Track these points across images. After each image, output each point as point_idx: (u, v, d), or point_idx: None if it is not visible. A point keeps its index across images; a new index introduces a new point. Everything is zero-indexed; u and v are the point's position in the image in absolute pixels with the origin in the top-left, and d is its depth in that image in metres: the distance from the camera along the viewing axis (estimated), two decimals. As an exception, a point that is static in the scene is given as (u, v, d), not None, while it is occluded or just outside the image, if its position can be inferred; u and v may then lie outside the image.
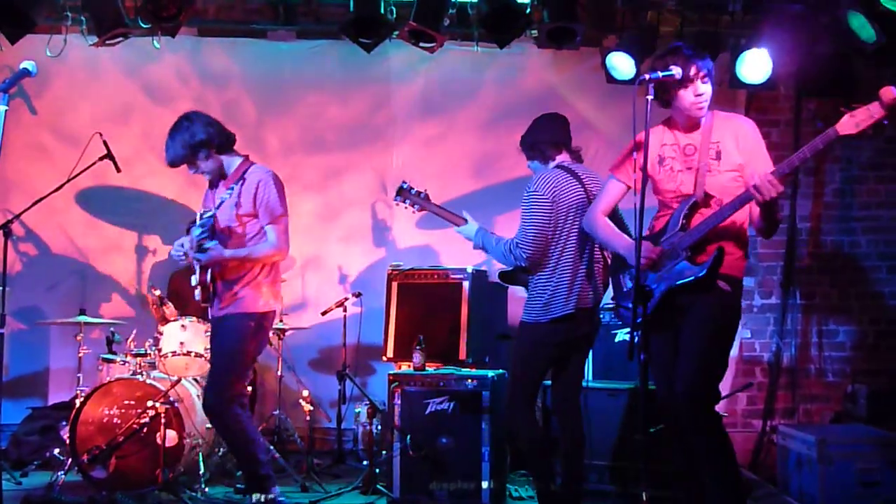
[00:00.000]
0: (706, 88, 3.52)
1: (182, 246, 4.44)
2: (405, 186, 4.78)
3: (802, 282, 6.66)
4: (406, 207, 4.80)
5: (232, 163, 4.58)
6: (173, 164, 4.49)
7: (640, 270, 3.40)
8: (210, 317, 4.63)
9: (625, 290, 3.83)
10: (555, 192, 4.24)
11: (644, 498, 3.25)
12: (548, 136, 4.44)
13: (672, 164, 3.63)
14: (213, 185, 4.65)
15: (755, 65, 5.92)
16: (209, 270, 4.43)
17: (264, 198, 4.47)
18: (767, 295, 6.70)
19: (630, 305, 3.58)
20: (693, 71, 3.47)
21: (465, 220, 4.55)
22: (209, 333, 5.60)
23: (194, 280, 4.45)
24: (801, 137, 6.44)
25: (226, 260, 4.41)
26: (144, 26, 5.99)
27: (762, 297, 6.70)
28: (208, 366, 5.60)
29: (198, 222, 4.45)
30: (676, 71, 3.39)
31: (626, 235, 3.85)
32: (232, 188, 4.44)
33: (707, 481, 3.50)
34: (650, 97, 3.32)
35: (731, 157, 3.52)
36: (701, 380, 3.49)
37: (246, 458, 4.46)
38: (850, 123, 3.14)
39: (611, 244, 3.88)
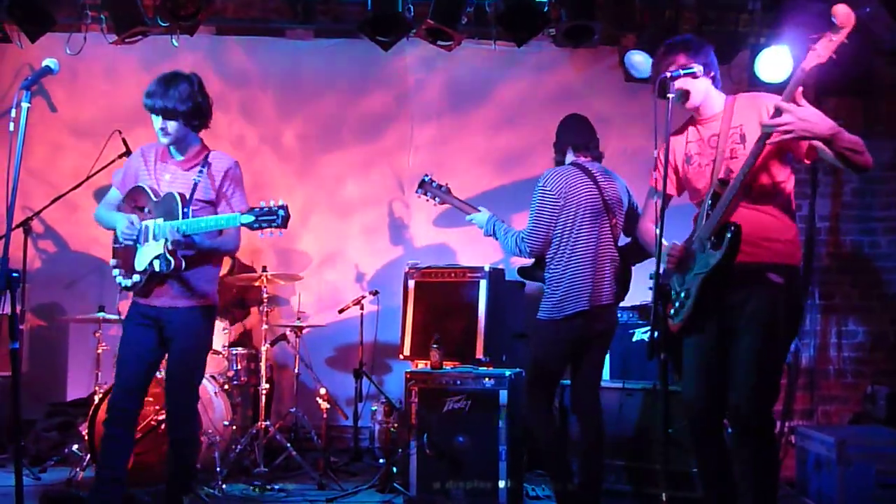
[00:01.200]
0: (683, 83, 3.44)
1: (133, 224, 3.93)
2: (427, 179, 4.79)
3: (821, 282, 6.62)
4: (427, 200, 4.81)
5: (192, 142, 4.13)
6: (164, 112, 3.94)
7: (665, 270, 3.36)
8: (148, 305, 4.04)
9: (672, 294, 3.59)
10: (563, 188, 4.25)
11: (664, 498, 3.23)
12: (568, 138, 4.49)
13: (699, 160, 3.51)
14: (161, 158, 4.12)
15: (775, 63, 5.89)
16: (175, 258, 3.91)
17: (231, 188, 4.10)
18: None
19: (672, 313, 3.52)
20: (682, 59, 3.42)
21: (479, 210, 4.58)
22: (227, 331, 5.66)
23: (158, 265, 3.87)
24: (821, 136, 6.39)
25: (204, 250, 4.01)
26: (163, 25, 6.01)
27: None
28: (226, 363, 5.65)
29: (154, 198, 3.99)
30: (698, 69, 3.36)
31: (665, 243, 3.60)
32: (202, 171, 4.03)
33: (746, 488, 3.35)
34: (671, 95, 3.28)
35: (756, 137, 3.29)
36: (756, 387, 3.29)
37: (192, 463, 4.33)
38: (812, 57, 3.02)
39: (654, 252, 3.66)
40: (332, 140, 7.02)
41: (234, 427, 5.58)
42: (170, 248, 3.86)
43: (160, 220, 3.91)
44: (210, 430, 5.15)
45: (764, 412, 3.32)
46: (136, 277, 4.00)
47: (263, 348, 5.60)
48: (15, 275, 3.03)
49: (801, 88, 3.08)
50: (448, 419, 4.85)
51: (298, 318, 6.03)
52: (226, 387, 5.66)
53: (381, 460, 5.63)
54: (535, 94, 6.81)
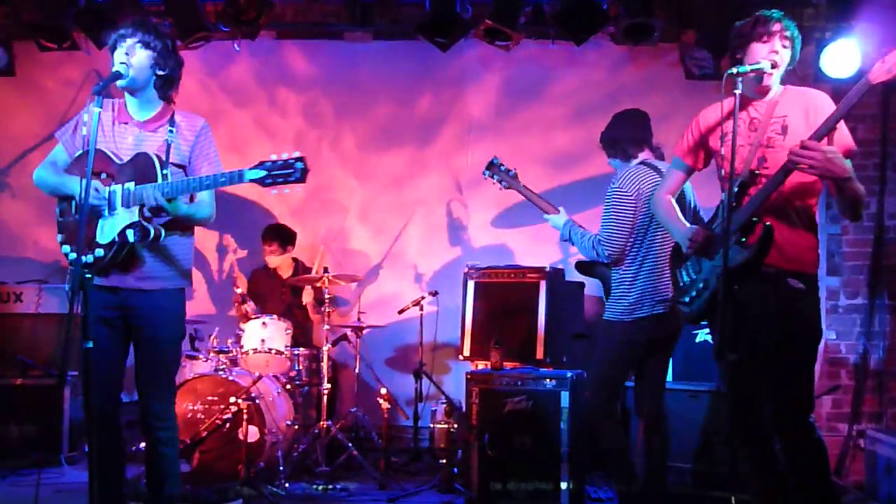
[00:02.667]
0: (783, 50, 3.34)
1: (98, 192, 3.43)
2: (496, 162, 4.76)
3: (891, 281, 6.44)
4: (494, 183, 4.77)
5: (155, 100, 3.66)
6: (134, 36, 3.50)
7: (695, 256, 3.39)
8: (108, 288, 3.53)
9: (681, 284, 3.59)
10: (639, 189, 4.19)
11: (733, 502, 3.17)
12: (628, 134, 4.41)
13: (738, 139, 3.36)
14: (120, 117, 3.63)
15: (841, 58, 5.76)
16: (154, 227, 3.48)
17: (205, 150, 3.68)
18: (853, 295, 6.49)
19: (686, 300, 3.49)
20: (776, 27, 3.31)
21: (557, 210, 4.54)
22: (289, 331, 5.71)
23: (133, 235, 3.43)
24: (890, 132, 6.24)
25: (179, 217, 3.57)
26: (225, 29, 6.12)
27: (848, 297, 6.50)
28: (288, 363, 5.71)
29: (118, 161, 3.51)
30: (765, 64, 3.28)
31: (684, 221, 3.62)
32: (171, 131, 3.58)
33: (798, 494, 3.33)
34: (738, 91, 3.21)
35: (798, 133, 3.28)
36: (798, 396, 3.32)
37: (177, 470, 3.73)
38: (881, 70, 3.01)
39: (669, 226, 3.68)
40: (391, 141, 7.05)
41: (297, 427, 5.65)
42: (147, 214, 3.44)
43: (130, 185, 3.44)
44: (273, 430, 5.22)
45: (806, 418, 3.32)
46: (98, 252, 3.46)
47: (325, 348, 5.65)
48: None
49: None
50: (509, 420, 4.84)
51: (359, 319, 6.07)
52: (288, 387, 5.74)
53: (441, 461, 5.64)
54: (593, 93, 6.76)
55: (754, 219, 3.19)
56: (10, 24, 6.22)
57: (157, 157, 3.48)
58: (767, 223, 3.18)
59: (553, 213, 4.57)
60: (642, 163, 4.34)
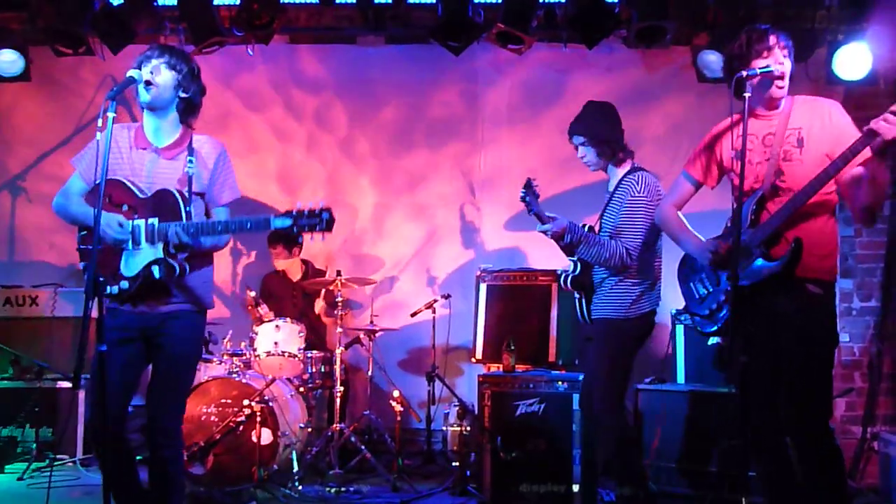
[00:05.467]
0: (786, 61, 3.33)
1: (123, 227, 3.43)
2: (532, 183, 4.40)
3: (904, 284, 6.42)
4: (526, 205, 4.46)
5: (174, 124, 3.65)
6: (159, 57, 3.53)
7: (708, 268, 3.39)
8: (133, 314, 3.53)
9: (696, 297, 3.62)
10: (656, 195, 4.17)
11: (744, 504, 3.17)
12: (616, 135, 4.36)
13: (750, 156, 3.39)
14: (137, 142, 3.60)
15: (853, 60, 5.76)
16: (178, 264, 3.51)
17: (224, 175, 3.68)
18: (867, 297, 6.47)
19: (705, 313, 3.50)
20: (773, 40, 3.31)
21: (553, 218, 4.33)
22: (302, 334, 5.73)
23: (158, 272, 3.44)
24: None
25: (203, 250, 3.63)
26: (238, 35, 6.16)
27: (861, 299, 6.48)
28: (301, 366, 5.73)
29: (140, 195, 3.50)
30: (776, 67, 3.28)
31: (698, 235, 3.62)
32: (191, 161, 3.57)
33: (810, 497, 3.32)
34: (748, 94, 3.22)
35: (818, 143, 3.29)
36: (814, 402, 3.31)
37: (182, 487, 3.71)
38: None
39: (682, 241, 3.65)
40: (404, 145, 7.08)
41: (310, 429, 5.67)
42: (171, 251, 3.45)
43: (154, 221, 3.44)
44: (286, 432, 5.24)
45: (825, 425, 3.32)
46: (123, 284, 3.46)
47: (338, 351, 5.67)
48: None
49: None
50: (521, 422, 4.85)
51: (372, 322, 6.09)
52: (301, 389, 5.76)
53: (453, 463, 5.65)
54: (606, 96, 6.62)
55: (794, 241, 3.20)
56: (27, 30, 6.27)
57: (180, 193, 3.49)
58: (798, 237, 3.20)
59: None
60: (642, 169, 4.30)
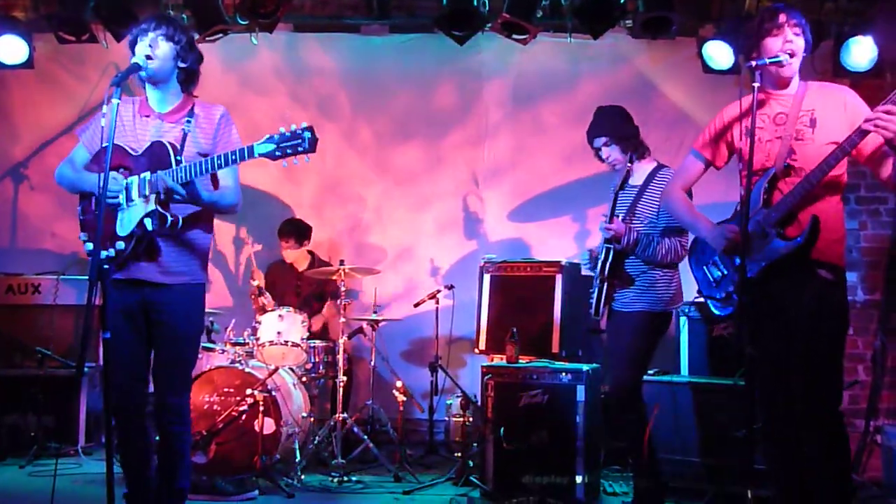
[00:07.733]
0: (796, 38, 3.32)
1: (116, 180, 3.42)
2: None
3: (906, 276, 6.40)
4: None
5: (176, 92, 3.66)
6: (157, 29, 3.50)
7: (722, 254, 3.38)
8: (128, 280, 3.50)
9: (711, 280, 3.59)
10: None
11: (749, 496, 3.16)
12: (633, 131, 4.49)
13: (760, 134, 3.38)
14: (142, 110, 3.62)
15: (860, 52, 5.73)
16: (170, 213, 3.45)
17: (226, 136, 3.65)
18: (871, 290, 6.46)
19: (721, 296, 3.50)
20: (782, 18, 3.31)
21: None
22: (305, 324, 5.72)
23: (150, 223, 3.40)
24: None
25: (202, 203, 3.51)
26: (242, 23, 6.15)
27: (865, 292, 6.47)
28: (304, 355, 5.72)
29: (134, 153, 3.49)
30: (784, 57, 3.26)
31: (709, 218, 3.61)
32: (189, 122, 3.57)
33: (817, 485, 3.32)
34: (756, 84, 3.19)
35: (831, 128, 3.28)
36: (827, 389, 3.33)
37: (188, 464, 3.69)
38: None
39: (693, 225, 3.66)
40: (408, 135, 7.06)
41: (313, 419, 5.67)
42: (163, 198, 3.39)
43: (146, 175, 3.42)
44: (289, 422, 5.23)
45: (835, 410, 3.32)
46: (119, 245, 3.43)
47: (341, 341, 5.66)
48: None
49: None
50: (524, 413, 4.83)
51: (375, 312, 6.08)
52: (304, 379, 5.75)
53: (456, 454, 5.64)
54: (611, 87, 6.73)
55: (812, 218, 3.20)
56: (30, 17, 6.26)
57: (171, 144, 3.47)
58: (814, 214, 3.21)
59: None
60: (664, 165, 4.41)
